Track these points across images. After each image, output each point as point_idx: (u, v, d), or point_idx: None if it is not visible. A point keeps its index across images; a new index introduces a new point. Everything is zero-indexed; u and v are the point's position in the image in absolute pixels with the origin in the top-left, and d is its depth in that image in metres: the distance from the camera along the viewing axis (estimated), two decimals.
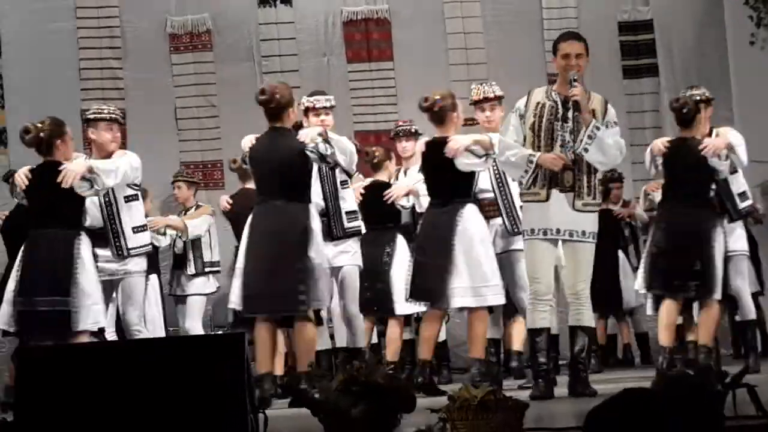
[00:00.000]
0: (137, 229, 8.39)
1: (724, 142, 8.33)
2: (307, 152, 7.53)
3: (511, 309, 8.35)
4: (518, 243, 8.00)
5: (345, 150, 7.82)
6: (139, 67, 12.47)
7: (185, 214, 10.72)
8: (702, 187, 8.33)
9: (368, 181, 9.43)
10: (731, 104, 12.50)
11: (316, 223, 7.55)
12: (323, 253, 7.58)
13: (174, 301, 10.70)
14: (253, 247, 7.52)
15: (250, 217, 7.65)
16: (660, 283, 8.34)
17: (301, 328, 7.49)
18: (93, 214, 8.09)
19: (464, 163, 7.88)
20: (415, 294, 8.09)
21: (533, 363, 7.29)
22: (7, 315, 7.70)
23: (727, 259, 8.48)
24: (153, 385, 4.40)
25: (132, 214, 8.34)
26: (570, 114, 7.03)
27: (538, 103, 7.09)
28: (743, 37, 12.29)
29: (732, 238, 8.74)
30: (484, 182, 8.25)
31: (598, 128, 6.97)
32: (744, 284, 9.03)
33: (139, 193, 8.41)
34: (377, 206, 8.98)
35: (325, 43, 12.85)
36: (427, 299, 8.05)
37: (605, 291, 10.39)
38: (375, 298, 9.08)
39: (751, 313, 9.15)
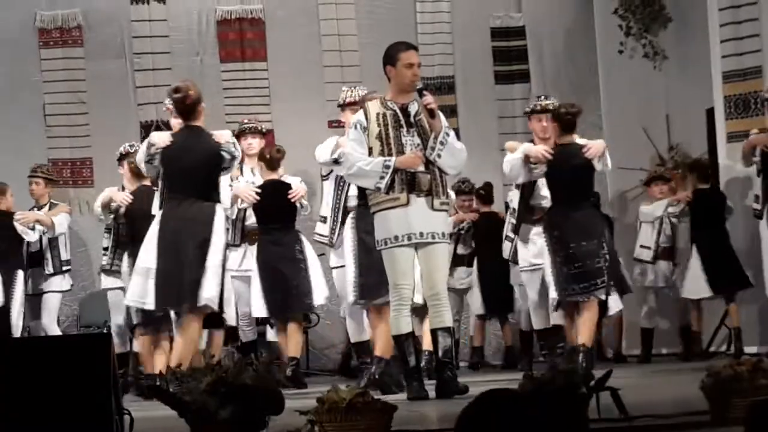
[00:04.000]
0: None
1: (602, 144, 8.65)
2: (222, 152, 7.71)
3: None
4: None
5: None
6: (7, 61, 12.21)
7: (39, 210, 10.55)
8: (588, 189, 8.76)
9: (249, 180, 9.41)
10: (600, 111, 12.72)
11: (220, 223, 7.75)
12: (222, 254, 7.76)
13: (25, 299, 10.47)
14: (166, 245, 7.62)
15: (159, 215, 7.70)
16: None
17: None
18: None
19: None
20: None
21: (404, 366, 7.34)
22: None
23: None
24: (17, 386, 4.32)
25: None
26: (412, 120, 7.16)
27: (378, 114, 7.19)
28: (612, 46, 12.51)
29: None
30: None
31: (448, 134, 7.14)
32: None
33: None
34: (277, 205, 8.97)
35: (199, 42, 12.74)
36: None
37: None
38: (292, 297, 9.12)
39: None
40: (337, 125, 8.93)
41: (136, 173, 9.21)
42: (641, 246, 11.45)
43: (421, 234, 7.09)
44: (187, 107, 7.78)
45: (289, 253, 9.05)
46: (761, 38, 10.84)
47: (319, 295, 9.16)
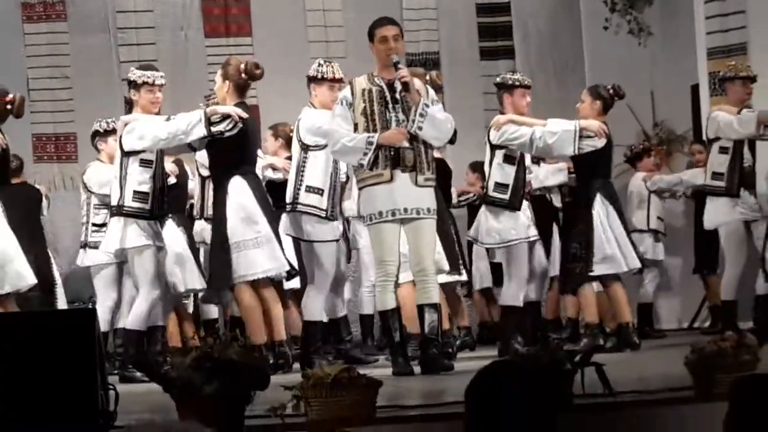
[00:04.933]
0: None
1: None
2: None
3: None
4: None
5: None
6: None
7: None
8: None
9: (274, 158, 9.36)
10: (585, 87, 12.70)
11: None
12: None
13: None
14: (271, 213, 7.85)
15: (242, 185, 7.71)
16: None
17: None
18: None
19: None
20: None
21: (390, 342, 7.35)
22: None
23: None
24: (2, 361, 4.31)
25: None
26: (398, 95, 7.16)
27: (364, 90, 7.21)
28: (597, 22, 12.49)
29: None
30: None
31: (427, 105, 7.15)
32: None
33: None
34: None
35: (183, 17, 12.68)
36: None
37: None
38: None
39: None
40: None
41: None
42: (658, 218, 11.37)
43: (406, 210, 7.10)
44: (250, 84, 7.96)
45: None
46: (746, 15, 10.84)
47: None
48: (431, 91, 7.36)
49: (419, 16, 13.00)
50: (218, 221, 7.79)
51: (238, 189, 7.66)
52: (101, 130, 9.52)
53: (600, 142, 8.62)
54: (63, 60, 12.37)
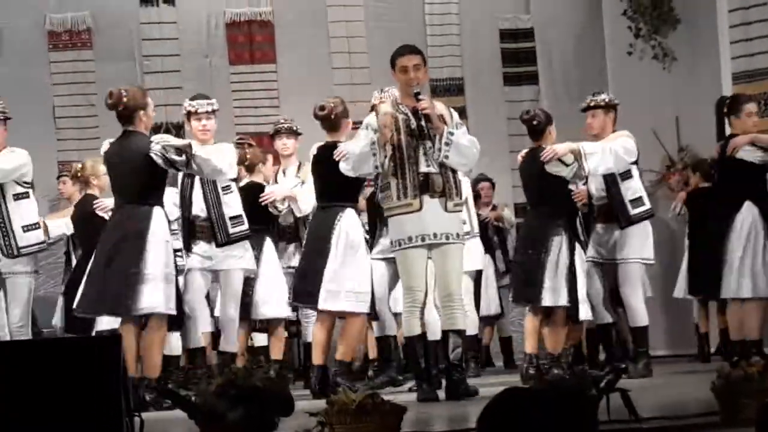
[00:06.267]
0: (28, 228, 8.34)
1: (567, 147, 8.39)
2: (152, 155, 7.43)
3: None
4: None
5: (222, 160, 7.73)
6: (17, 64, 12.22)
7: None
8: (546, 194, 8.45)
9: (243, 182, 9.27)
10: None
11: (157, 227, 7.39)
12: (165, 257, 7.39)
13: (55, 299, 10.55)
14: (99, 250, 7.46)
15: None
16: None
17: (149, 333, 7.50)
18: None
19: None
20: (296, 297, 8.21)
21: (415, 368, 7.36)
22: None
23: (615, 266, 8.64)
24: (28, 387, 4.33)
25: (22, 213, 8.31)
26: (423, 123, 7.14)
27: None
28: (621, 47, 12.50)
29: (621, 245, 8.75)
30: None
31: (451, 133, 7.14)
32: (633, 291, 8.79)
33: (30, 191, 8.39)
34: (250, 208, 8.86)
35: (208, 44, 12.76)
36: (307, 302, 8.13)
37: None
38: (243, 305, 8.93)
39: (643, 320, 8.77)
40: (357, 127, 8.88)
41: (84, 182, 9.33)
42: None
43: (435, 235, 7.10)
44: (120, 113, 7.62)
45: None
46: None
47: (274, 307, 8.92)
48: (455, 115, 7.36)
49: (443, 42, 13.04)
50: None
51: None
52: None
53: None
54: (89, 88, 12.44)
